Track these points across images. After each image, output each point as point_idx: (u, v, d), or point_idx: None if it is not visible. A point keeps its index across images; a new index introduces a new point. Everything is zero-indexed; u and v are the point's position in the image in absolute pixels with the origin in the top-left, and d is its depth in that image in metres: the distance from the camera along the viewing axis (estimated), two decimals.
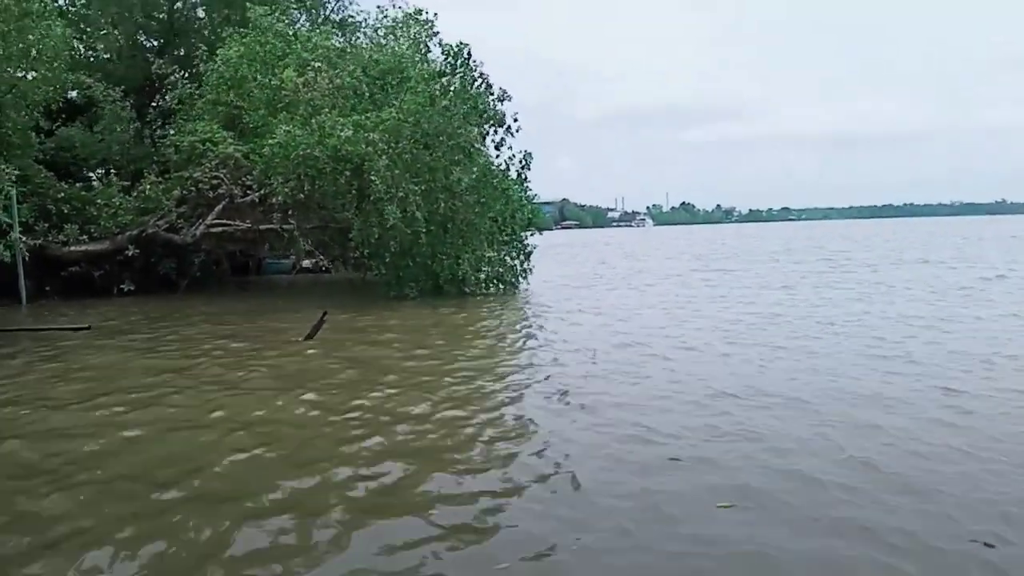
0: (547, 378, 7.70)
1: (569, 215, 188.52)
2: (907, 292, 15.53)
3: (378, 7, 21.36)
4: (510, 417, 6.24)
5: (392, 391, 7.10)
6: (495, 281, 17.00)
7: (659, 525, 3.91)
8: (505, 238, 17.73)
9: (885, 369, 7.69)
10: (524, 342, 10.49)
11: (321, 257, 22.98)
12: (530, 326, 12.25)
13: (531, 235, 18.85)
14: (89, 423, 6.17)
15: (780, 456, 4.93)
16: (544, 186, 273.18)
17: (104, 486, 4.59)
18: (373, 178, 14.47)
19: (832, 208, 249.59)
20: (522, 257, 18.56)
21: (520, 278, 18.15)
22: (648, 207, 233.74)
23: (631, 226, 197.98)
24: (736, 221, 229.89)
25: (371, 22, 24.53)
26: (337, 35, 23.49)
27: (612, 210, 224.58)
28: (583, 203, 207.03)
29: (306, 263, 23.76)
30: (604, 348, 9.43)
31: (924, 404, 6.26)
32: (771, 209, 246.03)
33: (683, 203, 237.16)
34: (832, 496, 4.22)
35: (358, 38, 24.34)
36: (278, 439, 5.57)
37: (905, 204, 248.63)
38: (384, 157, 14.59)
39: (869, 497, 4.17)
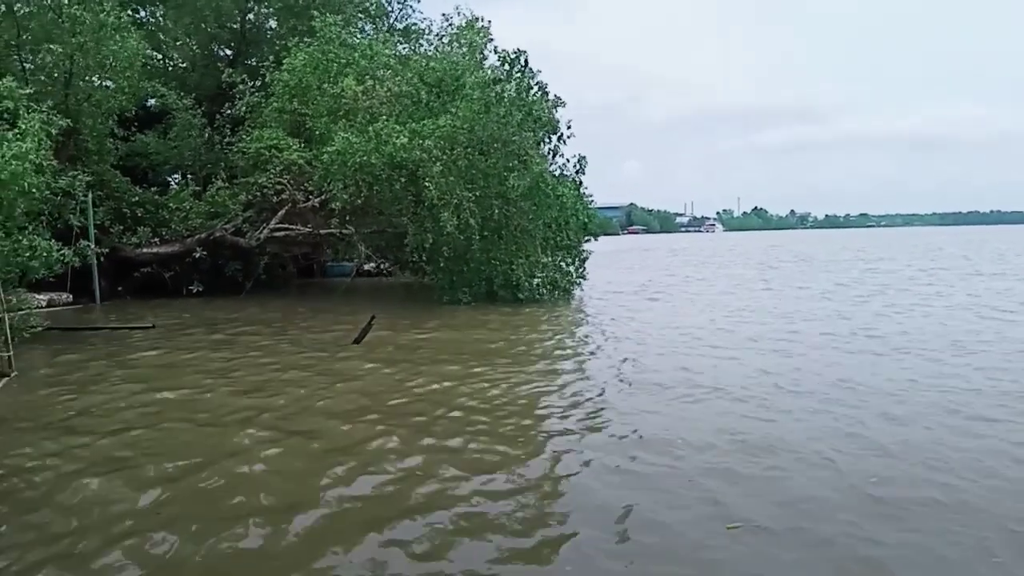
0: (576, 404, 7.59)
1: (636, 220, 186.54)
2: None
3: (443, 15, 21.61)
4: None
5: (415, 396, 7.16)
6: (549, 287, 16.91)
7: None
8: (561, 244, 17.65)
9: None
10: (565, 356, 10.42)
11: (382, 261, 23.40)
12: (574, 336, 12.14)
13: (587, 241, 18.70)
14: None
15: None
16: (611, 191, 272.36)
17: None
18: (427, 184, 14.62)
19: (914, 215, 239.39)
20: (577, 263, 18.43)
21: (574, 284, 18.01)
22: (718, 212, 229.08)
23: (700, 231, 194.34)
24: (812, 227, 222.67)
25: (435, 30, 24.86)
26: (401, 43, 23.91)
27: (681, 215, 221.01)
28: (651, 208, 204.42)
29: (367, 267, 24.22)
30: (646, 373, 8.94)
31: None
32: (848, 215, 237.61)
33: (755, 208, 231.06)
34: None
35: (421, 46, 24.67)
36: (307, 432, 5.68)
37: (992, 211, 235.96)
38: (438, 164, 14.72)
39: None
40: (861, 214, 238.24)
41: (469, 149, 15.50)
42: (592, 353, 10.17)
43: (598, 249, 19.34)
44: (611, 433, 6.01)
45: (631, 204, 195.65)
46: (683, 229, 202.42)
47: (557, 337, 11.72)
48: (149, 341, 11.41)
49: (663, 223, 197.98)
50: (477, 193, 15.38)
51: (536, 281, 16.57)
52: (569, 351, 10.62)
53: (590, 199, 36.54)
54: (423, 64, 17.54)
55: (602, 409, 6.78)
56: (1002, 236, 72.20)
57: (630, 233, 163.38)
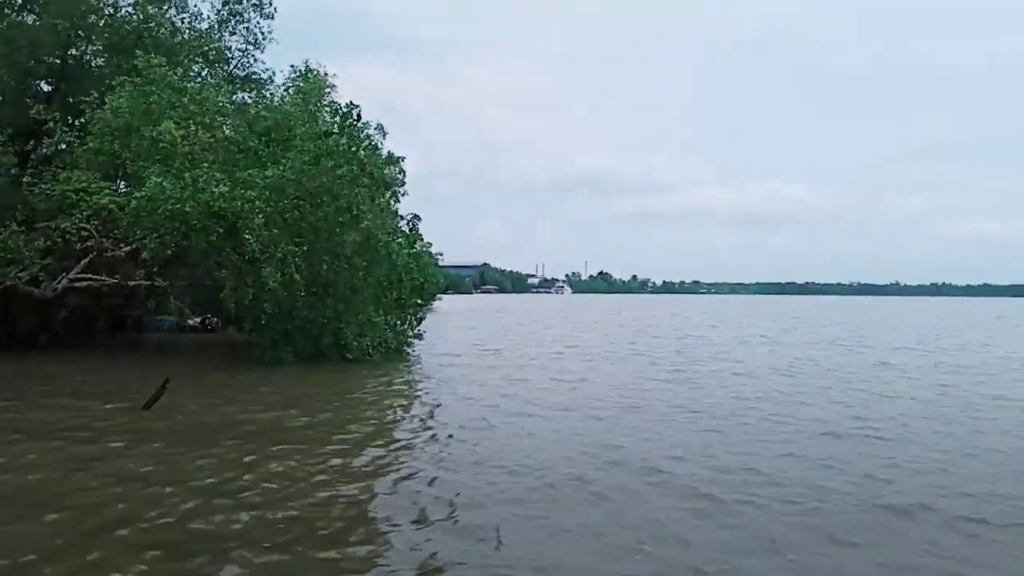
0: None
1: (489, 279, 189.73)
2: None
3: (291, 66, 21.00)
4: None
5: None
6: (380, 347, 16.42)
7: None
8: (394, 302, 17.31)
9: None
10: (385, 413, 10.00)
11: (207, 316, 21.87)
12: (392, 408, 11.74)
13: (436, 299, 18.49)
14: None
15: None
16: (466, 250, 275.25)
17: None
18: (248, 237, 13.87)
19: (740, 283, 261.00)
20: (412, 322, 18.14)
21: (408, 344, 17.66)
22: (567, 275, 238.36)
23: (550, 292, 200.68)
24: (651, 292, 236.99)
25: (279, 80, 24.18)
26: (242, 91, 23.01)
27: (533, 276, 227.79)
28: (505, 268, 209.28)
29: (192, 321, 22.58)
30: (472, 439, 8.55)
31: None
32: (683, 282, 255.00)
33: (601, 272, 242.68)
34: None
35: (264, 95, 23.91)
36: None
37: (807, 282, 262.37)
38: (261, 215, 14.05)
39: None
40: (694, 281, 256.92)
41: (298, 201, 14.96)
42: (406, 430, 9.28)
43: (448, 308, 19.22)
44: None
45: (484, 264, 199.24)
46: (534, 290, 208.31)
47: (374, 409, 10.77)
48: None
49: (515, 283, 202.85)
50: (305, 247, 14.80)
51: (366, 340, 16.03)
52: (381, 428, 9.50)
53: (439, 257, 36.43)
54: (253, 112, 16.89)
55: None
56: (810, 304, 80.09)
57: (483, 292, 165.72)
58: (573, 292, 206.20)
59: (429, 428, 9.20)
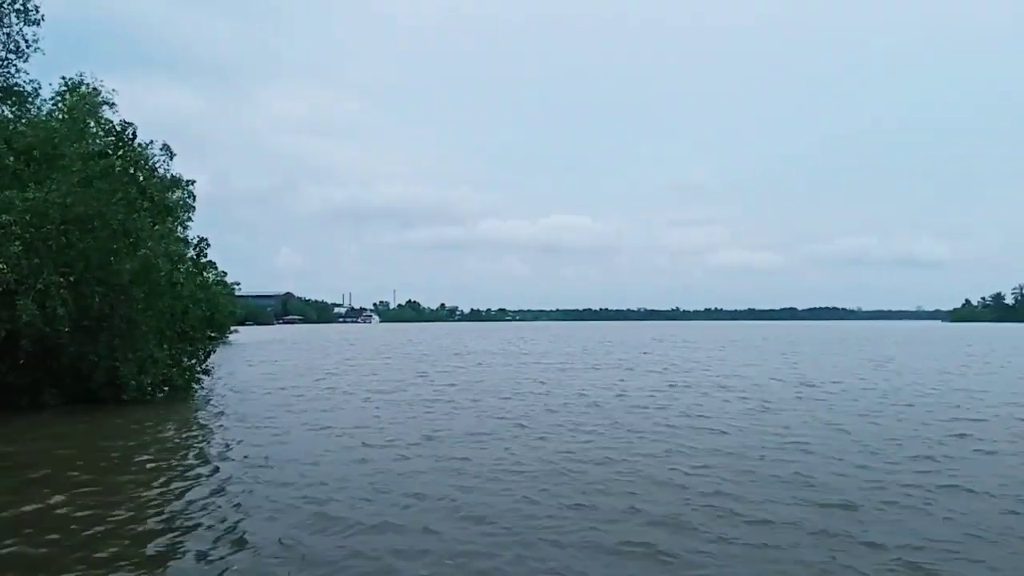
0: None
1: (293, 310, 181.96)
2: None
3: (63, 78, 18.70)
4: None
5: None
6: (162, 386, 15.18)
7: None
8: (182, 335, 16.11)
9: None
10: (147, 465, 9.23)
11: None
12: (162, 444, 10.89)
13: (234, 332, 17.38)
14: None
15: None
16: (268, 279, 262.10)
17: None
18: (2, 266, 12.28)
19: (541, 310, 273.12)
20: (200, 357, 16.98)
21: (195, 381, 16.49)
22: (375, 304, 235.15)
23: (357, 322, 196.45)
24: (459, 319, 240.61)
25: (47, 94, 21.64)
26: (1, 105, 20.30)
27: (339, 306, 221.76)
28: (309, 297, 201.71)
29: None
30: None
31: None
32: (490, 310, 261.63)
33: (409, 301, 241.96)
34: None
35: (26, 110, 21.27)
36: None
37: (601, 309, 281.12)
38: (19, 242, 12.51)
39: None
40: (500, 309, 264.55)
41: (65, 227, 13.50)
42: (170, 479, 8.36)
43: (246, 340, 18.05)
44: None
45: (288, 293, 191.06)
46: (341, 320, 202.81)
47: (137, 457, 9.84)
48: None
49: (321, 313, 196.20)
50: (72, 277, 13.37)
51: (146, 379, 14.70)
52: (138, 480, 8.83)
53: (236, 286, 34.37)
54: (9, 128, 15.06)
55: None
56: (605, 329, 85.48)
57: (285, 323, 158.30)
58: (382, 321, 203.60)
59: (199, 485, 7.95)
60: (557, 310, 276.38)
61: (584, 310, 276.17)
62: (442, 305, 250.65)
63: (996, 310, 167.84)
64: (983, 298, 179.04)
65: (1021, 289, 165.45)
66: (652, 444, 10.16)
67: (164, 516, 6.58)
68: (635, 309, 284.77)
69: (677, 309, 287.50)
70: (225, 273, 30.35)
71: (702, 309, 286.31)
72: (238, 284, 39.55)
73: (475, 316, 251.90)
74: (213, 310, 16.56)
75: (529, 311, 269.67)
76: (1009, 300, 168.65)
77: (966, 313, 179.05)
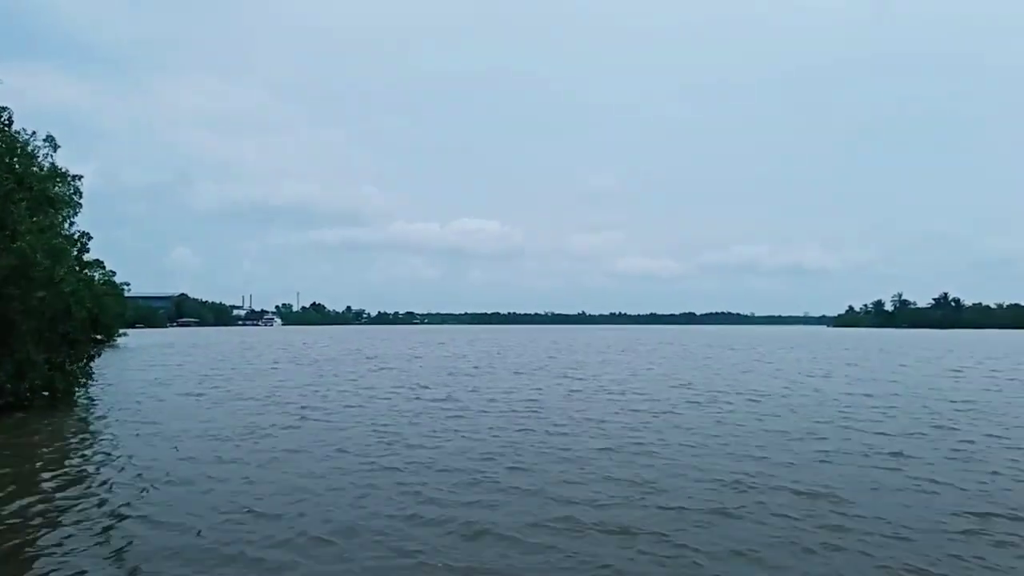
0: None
1: (188, 311, 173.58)
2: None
3: None
4: None
5: None
6: (41, 390, 14.22)
7: None
8: (65, 337, 15.12)
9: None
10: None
11: None
12: (40, 452, 10.27)
13: (117, 334, 16.42)
14: None
15: None
16: (160, 280, 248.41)
17: None
18: None
19: (450, 314, 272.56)
20: (84, 361, 16.02)
21: (79, 386, 15.55)
22: (278, 306, 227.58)
23: (259, 325, 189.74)
24: (366, 323, 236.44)
25: None
26: None
27: (239, 308, 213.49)
28: (206, 299, 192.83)
29: None
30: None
31: None
32: (397, 313, 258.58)
33: (314, 303, 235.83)
34: None
35: None
36: None
37: (509, 312, 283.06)
38: None
39: None
40: (408, 312, 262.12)
41: None
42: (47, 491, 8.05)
43: (136, 343, 17.07)
44: None
45: (182, 295, 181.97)
46: (241, 322, 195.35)
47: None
48: None
49: (219, 316, 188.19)
50: None
51: (24, 384, 13.74)
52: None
53: (125, 287, 32.54)
54: None
55: None
56: (511, 332, 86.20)
57: (179, 325, 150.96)
58: (284, 324, 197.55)
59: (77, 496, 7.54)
60: (466, 313, 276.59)
61: (492, 314, 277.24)
62: (348, 308, 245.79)
63: (877, 316, 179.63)
64: (865, 305, 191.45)
65: (899, 297, 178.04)
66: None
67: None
68: (543, 313, 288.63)
69: (583, 313, 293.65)
70: (113, 273, 28.71)
71: (607, 313, 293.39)
72: (127, 284, 37.43)
73: (382, 319, 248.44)
74: (98, 311, 15.59)
75: (437, 314, 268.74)
76: (889, 307, 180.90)
77: (849, 319, 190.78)
